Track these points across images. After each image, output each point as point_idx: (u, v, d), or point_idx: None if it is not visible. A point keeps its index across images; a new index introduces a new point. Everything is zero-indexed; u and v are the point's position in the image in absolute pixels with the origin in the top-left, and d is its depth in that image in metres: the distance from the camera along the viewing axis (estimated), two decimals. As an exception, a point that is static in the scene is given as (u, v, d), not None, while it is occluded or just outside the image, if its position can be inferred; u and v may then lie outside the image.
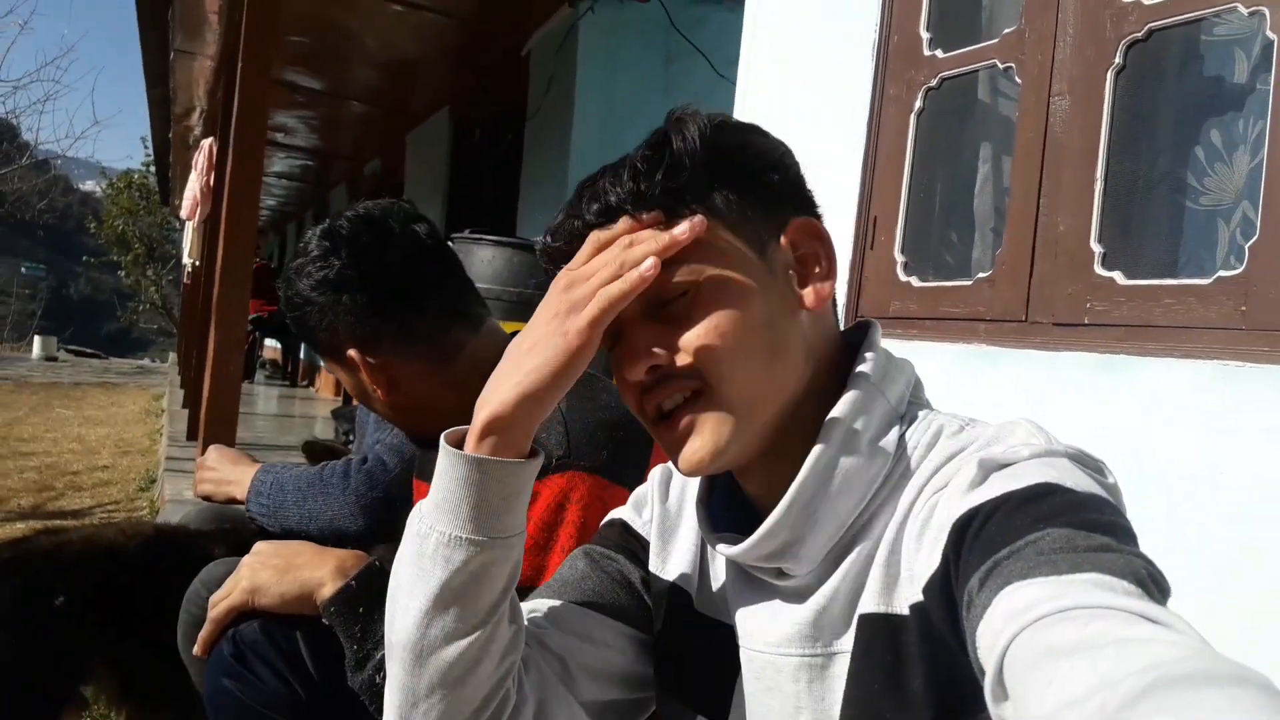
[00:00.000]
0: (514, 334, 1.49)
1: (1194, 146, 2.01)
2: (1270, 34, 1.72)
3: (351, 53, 7.50)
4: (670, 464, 1.09)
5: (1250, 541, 1.60)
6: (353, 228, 1.38)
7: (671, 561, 1.03)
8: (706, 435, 0.86)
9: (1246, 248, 1.71)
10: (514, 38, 6.40)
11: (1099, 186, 2.00)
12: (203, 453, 4.45)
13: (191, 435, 6.19)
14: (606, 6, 5.44)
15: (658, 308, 0.87)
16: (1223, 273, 1.74)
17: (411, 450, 1.67)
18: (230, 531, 2.04)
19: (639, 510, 1.08)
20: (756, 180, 0.91)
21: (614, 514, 1.10)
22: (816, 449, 0.85)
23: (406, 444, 1.68)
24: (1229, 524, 1.64)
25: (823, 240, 0.93)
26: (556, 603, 1.01)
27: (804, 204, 0.95)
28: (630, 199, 0.87)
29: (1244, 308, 1.69)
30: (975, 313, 2.26)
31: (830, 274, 0.93)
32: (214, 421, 4.60)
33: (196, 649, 1.34)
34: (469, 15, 6.27)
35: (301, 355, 14.05)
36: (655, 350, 0.86)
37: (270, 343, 15.33)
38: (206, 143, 7.64)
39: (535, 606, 1.01)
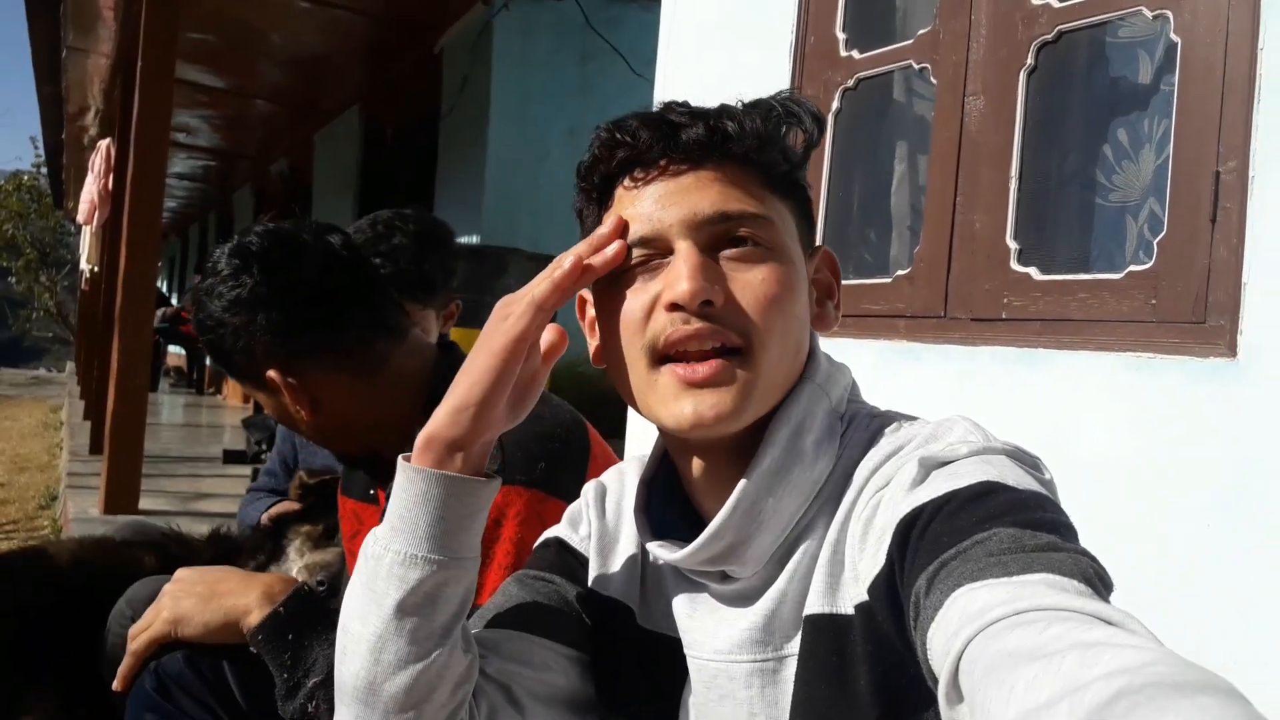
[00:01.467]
0: (442, 343, 1.47)
1: (1102, 145, 2.07)
2: (1174, 36, 1.78)
3: (256, 50, 7.31)
4: (604, 478, 1.08)
5: (1164, 528, 1.66)
6: (263, 243, 1.31)
7: (611, 577, 1.00)
8: (733, 395, 0.81)
9: (1155, 243, 1.76)
10: (427, 35, 6.31)
11: (1014, 184, 2.05)
12: (109, 465, 4.31)
13: (95, 449, 5.97)
14: (521, 5, 5.41)
15: (717, 245, 0.83)
16: (1133, 267, 1.80)
17: None
18: (162, 541, 1.96)
19: (575, 527, 1.05)
20: (809, 195, 0.92)
21: (549, 533, 1.06)
22: (765, 450, 0.84)
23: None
24: (1144, 511, 1.69)
25: (837, 274, 0.95)
26: (493, 629, 0.97)
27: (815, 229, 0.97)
28: (754, 136, 0.83)
29: (1154, 301, 1.74)
30: (895, 309, 2.29)
31: (840, 308, 0.94)
32: (120, 434, 4.44)
33: (116, 684, 1.28)
34: (379, 12, 6.16)
35: (207, 362, 13.66)
36: (714, 285, 0.81)
37: (174, 349, 14.87)
38: (104, 144, 7.36)
39: (483, 633, 0.98)
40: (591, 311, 0.93)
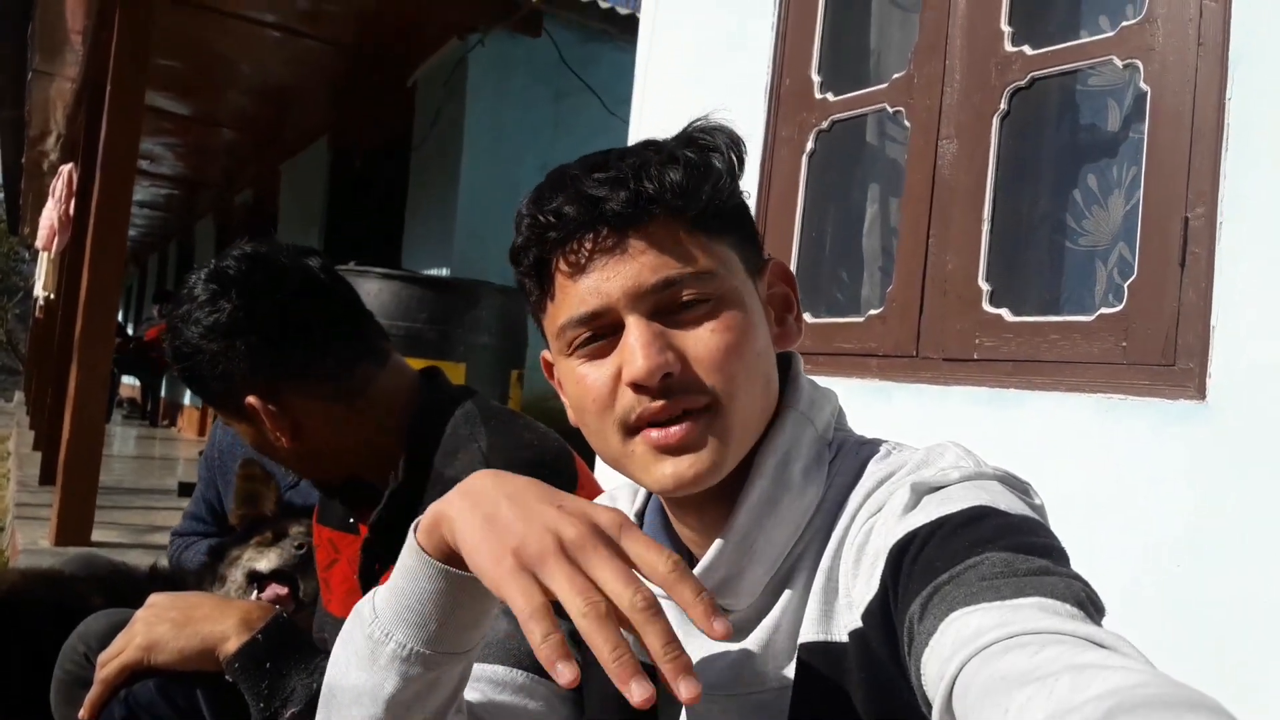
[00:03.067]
0: (425, 369, 1.45)
1: (1072, 190, 2.12)
2: (1144, 85, 1.83)
3: (224, 78, 7.28)
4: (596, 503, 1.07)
5: (1134, 568, 1.68)
6: (240, 266, 1.29)
7: None
8: (709, 452, 0.82)
9: (1125, 286, 1.80)
10: (399, 68, 6.31)
11: (986, 227, 2.08)
12: (62, 496, 4.21)
13: (47, 479, 5.83)
14: (496, 41, 5.43)
15: (665, 310, 0.82)
16: (1104, 310, 1.83)
17: None
18: (109, 578, 1.91)
19: None
20: (748, 211, 0.91)
21: None
22: (753, 483, 0.84)
23: None
24: (1113, 552, 1.71)
25: (793, 284, 0.94)
26: (490, 665, 0.96)
27: (762, 244, 0.95)
28: (675, 194, 0.82)
29: (1124, 343, 1.77)
30: (867, 348, 2.31)
31: (801, 319, 0.93)
32: (74, 464, 4.35)
33: (83, 712, 1.24)
34: (351, 44, 6.16)
35: (163, 394, 13.44)
36: (669, 355, 0.81)
37: (128, 380, 14.61)
38: (66, 169, 7.27)
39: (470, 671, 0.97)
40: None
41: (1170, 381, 1.69)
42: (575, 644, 0.98)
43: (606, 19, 5.51)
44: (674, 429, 0.82)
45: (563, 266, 0.84)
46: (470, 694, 0.94)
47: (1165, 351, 1.71)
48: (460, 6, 5.24)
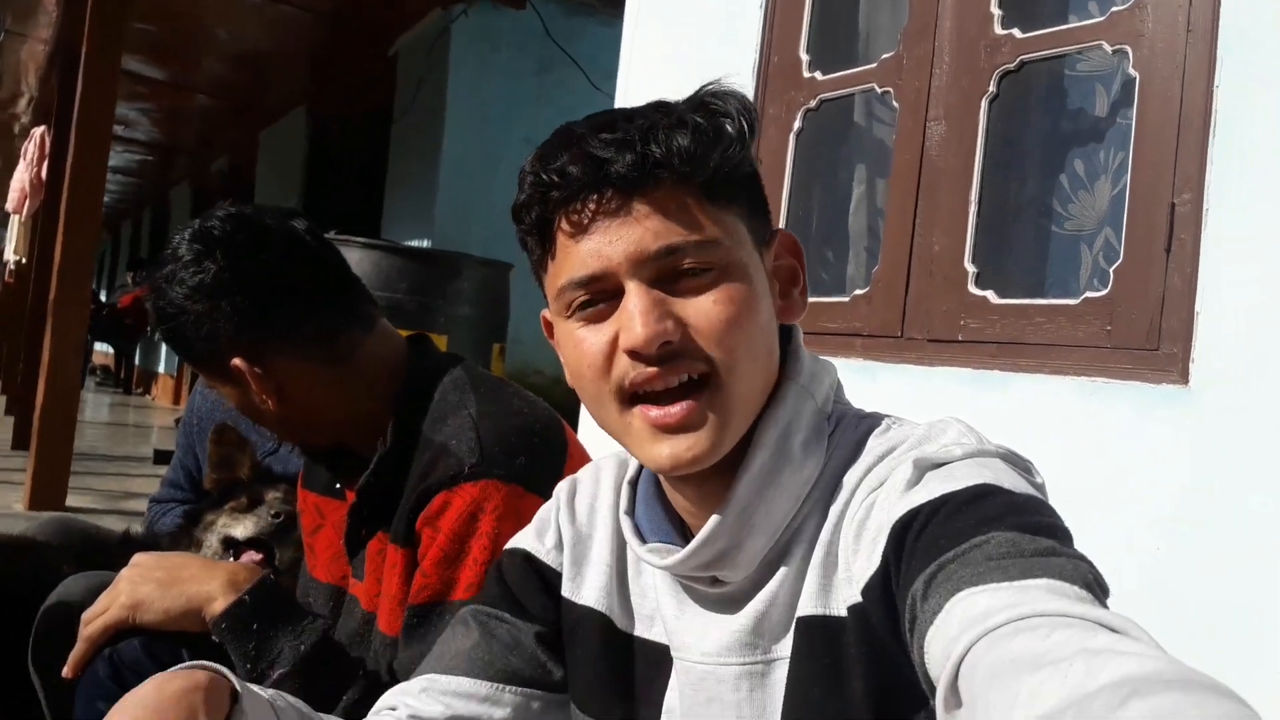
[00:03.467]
0: (413, 336, 1.45)
1: (1059, 174, 2.13)
2: (1132, 71, 1.84)
3: (201, 43, 7.17)
4: (578, 475, 1.06)
5: (1115, 552, 1.70)
6: (225, 227, 1.27)
7: (586, 585, 0.98)
8: (708, 431, 0.81)
9: (1111, 271, 1.81)
10: (381, 37, 6.25)
11: (973, 209, 2.09)
12: (36, 460, 4.18)
13: (20, 444, 5.78)
14: (480, 12, 5.38)
15: (667, 277, 0.81)
16: (1089, 294, 1.85)
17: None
18: (80, 545, 1.89)
19: (542, 536, 1.02)
20: (759, 179, 0.90)
21: (516, 541, 1.04)
22: (754, 455, 0.84)
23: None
24: (1095, 535, 1.73)
25: (800, 257, 0.93)
26: (454, 678, 0.96)
27: (771, 214, 0.93)
28: (683, 160, 0.80)
29: (1109, 327, 1.79)
30: (852, 328, 2.32)
31: (806, 292, 0.92)
32: (48, 430, 4.31)
33: (67, 670, 1.23)
34: (332, 11, 6.08)
35: (137, 361, 13.31)
36: (669, 323, 0.80)
37: (101, 347, 14.45)
38: (38, 131, 7.17)
39: (434, 684, 0.96)
40: None
41: (1154, 366, 1.71)
42: (550, 646, 0.99)
43: (591, -9, 5.49)
44: (674, 409, 0.81)
45: (565, 226, 0.83)
46: (433, 707, 0.95)
47: (1150, 336, 1.73)
48: (444, -25, 5.20)
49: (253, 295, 1.26)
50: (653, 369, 0.80)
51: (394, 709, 0.97)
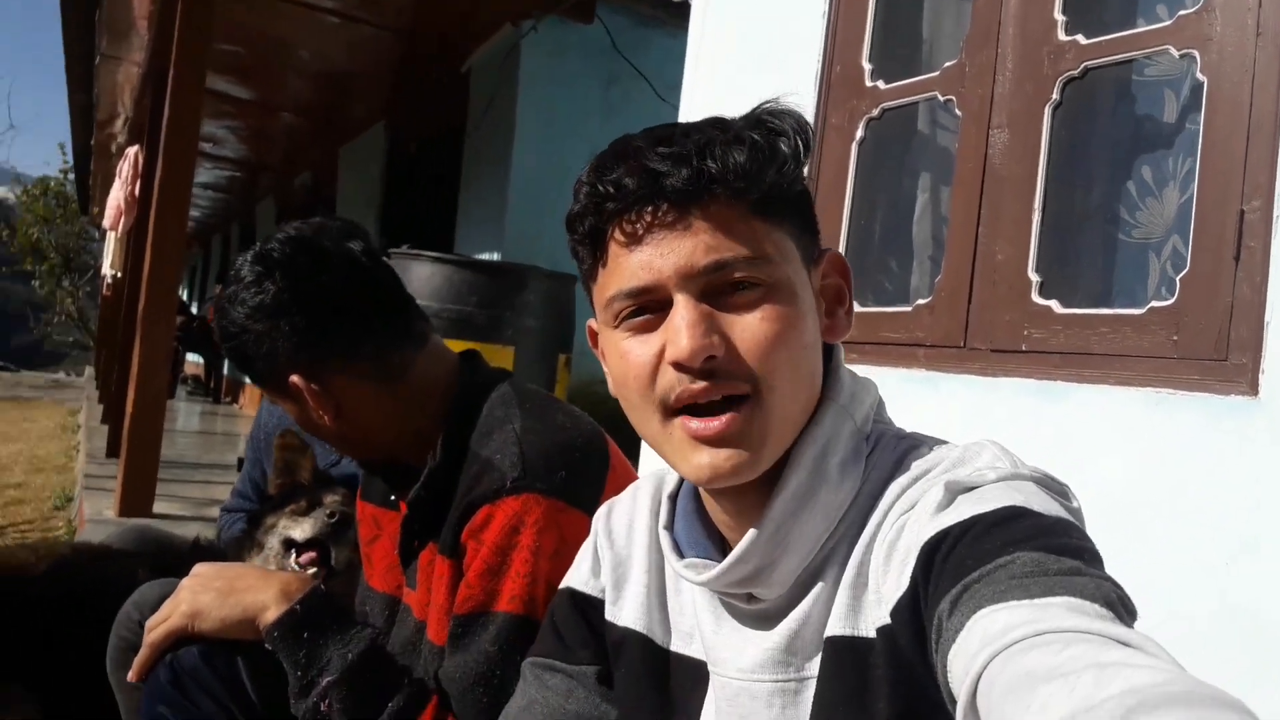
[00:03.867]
0: (464, 352, 1.48)
1: (1126, 181, 2.08)
2: (1200, 75, 1.79)
3: (285, 63, 7.38)
4: (616, 499, 1.07)
5: (1182, 566, 1.65)
6: (285, 249, 1.33)
7: (626, 606, 1.00)
8: (749, 445, 0.82)
9: (1178, 280, 1.77)
10: (454, 54, 6.36)
11: (1037, 217, 2.05)
12: (126, 468, 4.33)
13: (112, 452, 6.00)
14: (549, 27, 5.45)
15: (716, 292, 0.82)
16: (1155, 303, 1.80)
17: None
18: (155, 553, 1.98)
19: (582, 567, 1.05)
20: (809, 198, 0.90)
21: (564, 581, 1.07)
22: (790, 474, 0.84)
23: None
24: (1161, 548, 1.68)
25: (848, 277, 0.93)
26: None
27: (820, 233, 0.94)
28: (738, 176, 0.81)
29: (1175, 337, 1.74)
30: (915, 338, 2.30)
31: (853, 311, 0.93)
32: (137, 438, 4.47)
33: (131, 674, 1.29)
34: (408, 30, 6.22)
35: (225, 371, 13.73)
36: (715, 338, 0.80)
37: (192, 358, 14.94)
38: (132, 151, 7.45)
39: None
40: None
41: (1222, 376, 1.66)
42: (615, 653, 1.01)
43: (658, 5, 5.50)
44: (714, 421, 0.81)
45: (618, 236, 0.84)
46: None
47: (1218, 346, 1.68)
48: (514, -8, 5.27)
49: (310, 315, 1.31)
50: (699, 385, 0.81)
51: None
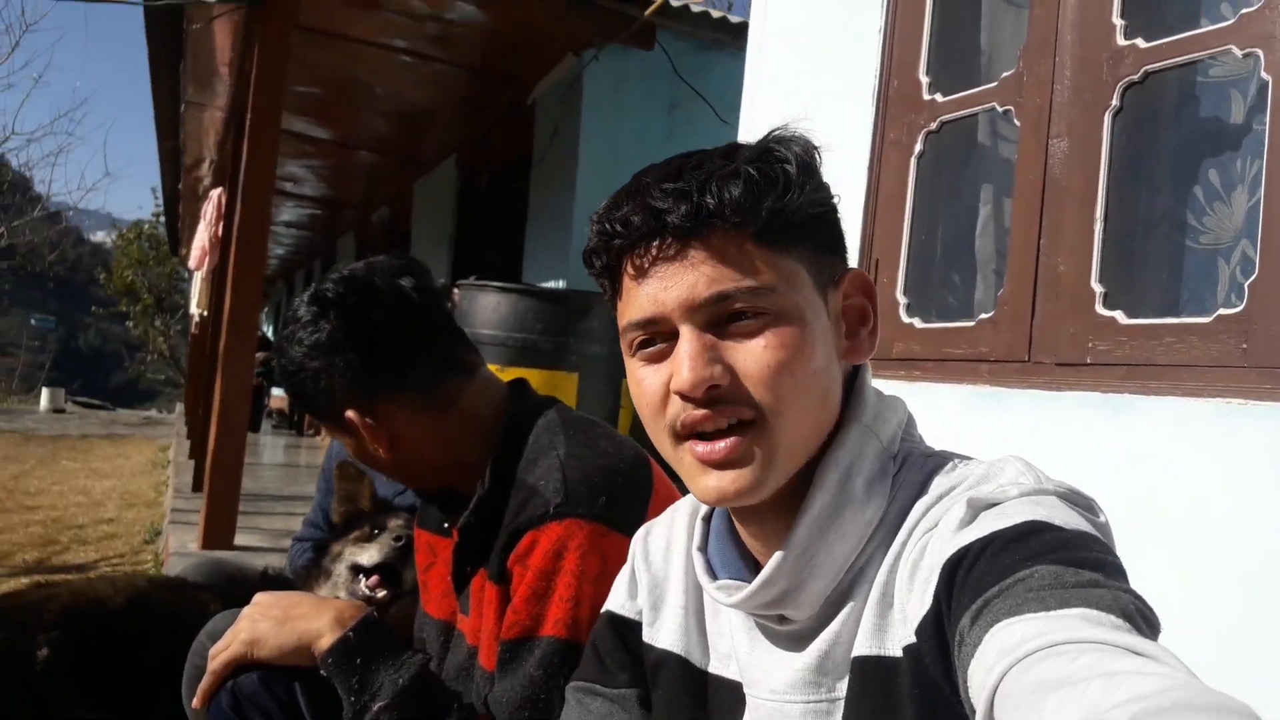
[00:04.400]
0: (513, 381, 1.50)
1: (1193, 186, 2.02)
2: (1265, 75, 1.74)
3: (360, 102, 7.59)
4: (652, 523, 1.09)
5: (1257, 581, 1.58)
6: (337, 289, 1.38)
7: (664, 627, 1.01)
8: (753, 468, 0.83)
9: (1246, 286, 1.71)
10: (520, 87, 6.47)
11: (1099, 227, 2.00)
12: (208, 502, 4.45)
13: (197, 487, 6.18)
14: (611, 55, 5.51)
15: (719, 322, 0.84)
16: (1223, 311, 1.74)
17: None
18: (226, 585, 2.03)
19: (623, 591, 1.07)
20: (829, 219, 0.91)
21: (605, 605, 1.08)
22: (814, 496, 0.85)
23: None
24: (1235, 562, 1.62)
25: (872, 296, 0.93)
26: None
27: (846, 253, 0.94)
28: (734, 210, 0.83)
29: (1245, 345, 1.68)
30: (978, 354, 2.26)
31: (877, 332, 0.93)
32: (219, 473, 4.60)
33: (195, 700, 1.33)
34: (476, 65, 6.35)
35: (309, 403, 14.04)
36: (717, 369, 0.83)
37: (277, 391, 15.34)
38: (215, 193, 7.70)
39: None
40: None
41: (1296, 385, 1.59)
42: (653, 675, 1.01)
43: (719, 28, 5.52)
44: (719, 444, 0.83)
45: (628, 270, 0.88)
46: None
47: (1290, 354, 1.61)
48: (576, 24, 5.34)
49: (362, 351, 1.35)
50: (701, 411, 0.83)
51: None
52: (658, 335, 0.87)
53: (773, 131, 0.89)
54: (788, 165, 0.86)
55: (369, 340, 1.35)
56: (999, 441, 2.09)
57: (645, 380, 0.87)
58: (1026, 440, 2.05)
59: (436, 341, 1.40)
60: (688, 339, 0.84)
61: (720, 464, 0.84)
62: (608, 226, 0.88)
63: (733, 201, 0.83)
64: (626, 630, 1.04)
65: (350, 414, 1.36)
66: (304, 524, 2.47)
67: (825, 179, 0.90)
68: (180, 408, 18.95)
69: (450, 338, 1.42)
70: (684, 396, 0.83)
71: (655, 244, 0.85)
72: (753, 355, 0.83)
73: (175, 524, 5.35)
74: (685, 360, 0.83)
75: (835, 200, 0.92)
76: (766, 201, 0.84)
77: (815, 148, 0.88)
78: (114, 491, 8.72)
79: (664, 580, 1.03)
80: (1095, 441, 1.89)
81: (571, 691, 1.06)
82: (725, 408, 0.83)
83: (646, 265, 0.86)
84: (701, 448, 0.84)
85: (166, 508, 6.54)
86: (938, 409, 2.23)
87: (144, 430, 17.08)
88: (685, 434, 0.85)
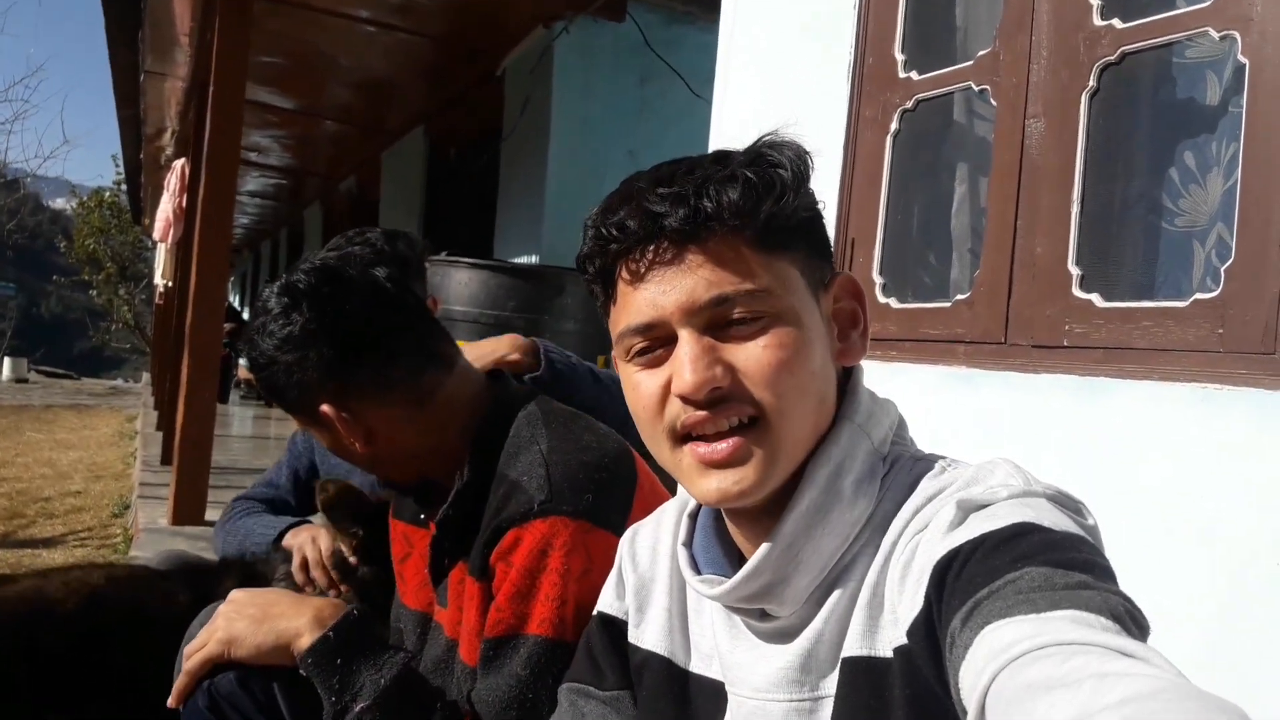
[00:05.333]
0: (490, 371, 1.48)
1: (1168, 169, 2.02)
2: (1242, 57, 1.74)
3: (325, 72, 7.47)
4: (639, 525, 1.09)
5: (1229, 565, 1.60)
6: (309, 280, 1.35)
7: (648, 629, 1.02)
8: (754, 467, 0.84)
9: (1223, 270, 1.72)
10: (489, 58, 6.39)
11: (1076, 209, 2.00)
12: (178, 478, 4.40)
13: (166, 460, 6.12)
14: (581, 28, 5.45)
15: (717, 324, 0.85)
16: (1200, 295, 1.75)
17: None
18: (190, 573, 1.96)
19: (613, 591, 1.07)
20: (819, 224, 0.92)
21: (597, 606, 1.08)
22: (803, 492, 0.85)
23: None
24: (1209, 547, 1.64)
25: (861, 300, 0.94)
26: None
27: (833, 257, 0.95)
28: (733, 213, 0.84)
29: (1221, 330, 1.69)
30: (954, 334, 2.26)
31: (868, 334, 0.94)
32: (188, 447, 4.55)
33: (171, 700, 1.32)
34: (443, 35, 6.26)
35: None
36: (718, 370, 0.83)
37: (245, 362, 15.20)
38: (179, 164, 7.58)
39: None
40: None
41: (1270, 370, 1.61)
42: (637, 676, 1.02)
43: (690, 1, 5.47)
44: (720, 445, 0.84)
45: (624, 275, 0.88)
46: None
47: (1265, 339, 1.62)
48: (545, -7, 5.28)
49: (337, 345, 1.32)
50: (702, 413, 0.84)
51: None
52: (656, 340, 0.87)
53: (764, 137, 0.90)
54: (782, 170, 0.86)
55: (344, 333, 1.33)
56: (974, 423, 2.10)
57: (642, 385, 0.88)
58: (1002, 422, 2.06)
59: (414, 333, 1.38)
60: (688, 342, 0.84)
61: (722, 464, 0.84)
62: (604, 231, 0.88)
63: (731, 205, 0.84)
64: (615, 631, 1.05)
65: (326, 408, 1.33)
66: (260, 482, 2.33)
67: (811, 186, 0.91)
68: (146, 377, 18.73)
69: (426, 329, 1.40)
70: (685, 399, 0.84)
71: (652, 248, 0.85)
72: (753, 356, 0.84)
73: (144, 499, 5.30)
74: (687, 363, 0.83)
75: (822, 206, 0.93)
76: (764, 205, 0.85)
77: (807, 153, 0.90)
78: (80, 463, 8.61)
79: (650, 581, 1.03)
80: (1071, 424, 1.90)
81: (564, 693, 1.07)
82: (726, 408, 0.84)
83: (643, 270, 0.86)
84: (703, 449, 0.85)
85: (135, 481, 6.47)
86: (913, 389, 2.24)
87: (110, 400, 16.86)
88: (684, 436, 0.86)
